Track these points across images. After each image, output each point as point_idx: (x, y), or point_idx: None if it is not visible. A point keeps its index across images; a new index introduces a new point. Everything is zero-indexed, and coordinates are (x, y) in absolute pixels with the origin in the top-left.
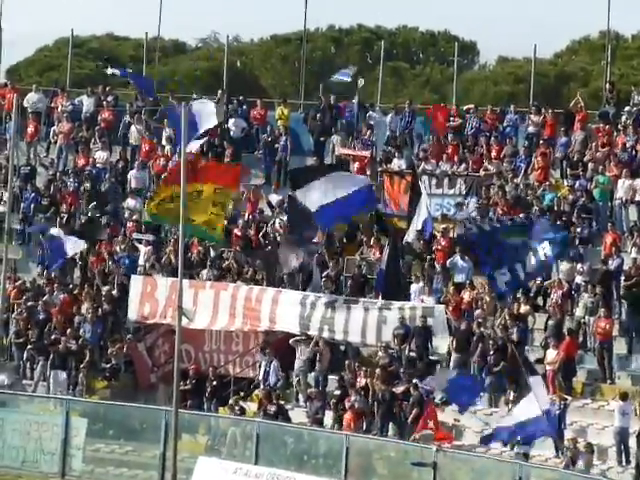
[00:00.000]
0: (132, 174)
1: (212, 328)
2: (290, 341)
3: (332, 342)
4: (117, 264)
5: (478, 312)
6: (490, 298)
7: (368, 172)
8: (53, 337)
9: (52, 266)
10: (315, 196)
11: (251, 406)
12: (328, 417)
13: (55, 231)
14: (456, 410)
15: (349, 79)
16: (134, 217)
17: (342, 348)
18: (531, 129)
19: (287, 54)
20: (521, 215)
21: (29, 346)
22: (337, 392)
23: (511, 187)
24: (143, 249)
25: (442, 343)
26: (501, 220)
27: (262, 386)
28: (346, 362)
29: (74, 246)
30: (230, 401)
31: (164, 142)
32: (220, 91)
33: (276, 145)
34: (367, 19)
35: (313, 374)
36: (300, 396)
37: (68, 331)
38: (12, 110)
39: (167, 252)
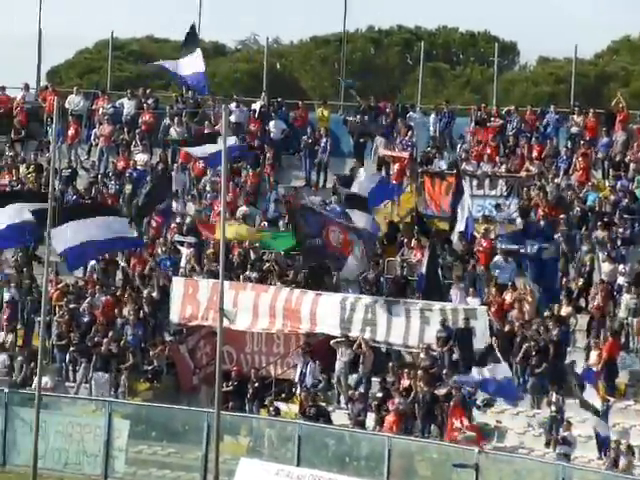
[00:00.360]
0: (174, 176)
1: (253, 330)
2: (331, 342)
3: (374, 344)
4: (158, 266)
5: (515, 313)
6: (532, 299)
7: (408, 173)
8: (95, 339)
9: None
10: None
11: (292, 408)
12: (370, 419)
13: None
14: (498, 412)
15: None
16: (176, 219)
17: (384, 350)
18: (573, 129)
19: (327, 55)
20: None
21: (71, 348)
22: (379, 394)
23: (552, 188)
24: (185, 251)
25: (482, 345)
26: None
27: (300, 388)
28: (389, 364)
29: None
30: (265, 402)
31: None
32: (263, 94)
33: (316, 147)
34: (407, 20)
35: (355, 376)
36: (341, 398)
37: (110, 333)
38: (53, 112)
39: (208, 254)
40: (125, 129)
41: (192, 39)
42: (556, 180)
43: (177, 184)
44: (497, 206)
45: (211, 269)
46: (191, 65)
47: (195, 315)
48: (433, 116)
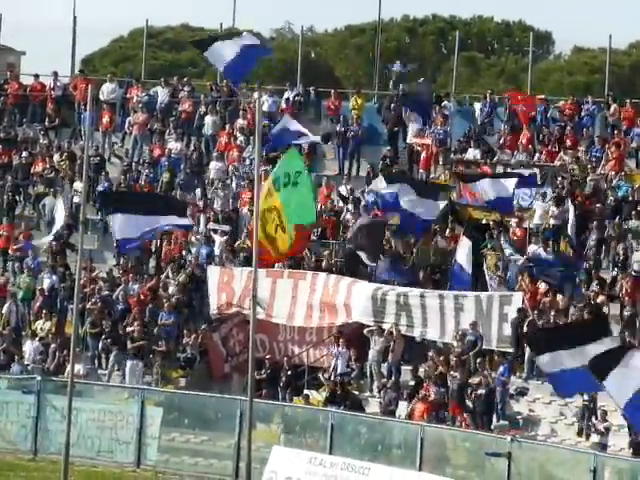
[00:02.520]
0: (212, 165)
1: (291, 324)
2: (365, 331)
3: (408, 334)
4: (192, 254)
5: (549, 302)
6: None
7: (441, 161)
8: (129, 327)
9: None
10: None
11: (324, 395)
12: (402, 407)
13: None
14: (530, 401)
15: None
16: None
17: (418, 339)
18: (608, 119)
19: (361, 44)
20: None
21: (104, 336)
22: (411, 382)
23: (587, 177)
24: (218, 239)
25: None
26: None
27: (333, 376)
28: (428, 354)
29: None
30: (298, 390)
31: (237, 133)
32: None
33: (349, 135)
34: (442, 9)
35: (386, 364)
36: (374, 386)
37: (143, 321)
38: (84, 100)
39: (242, 242)
40: (159, 117)
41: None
42: (591, 170)
43: (216, 173)
44: (532, 195)
45: (245, 257)
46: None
47: (230, 303)
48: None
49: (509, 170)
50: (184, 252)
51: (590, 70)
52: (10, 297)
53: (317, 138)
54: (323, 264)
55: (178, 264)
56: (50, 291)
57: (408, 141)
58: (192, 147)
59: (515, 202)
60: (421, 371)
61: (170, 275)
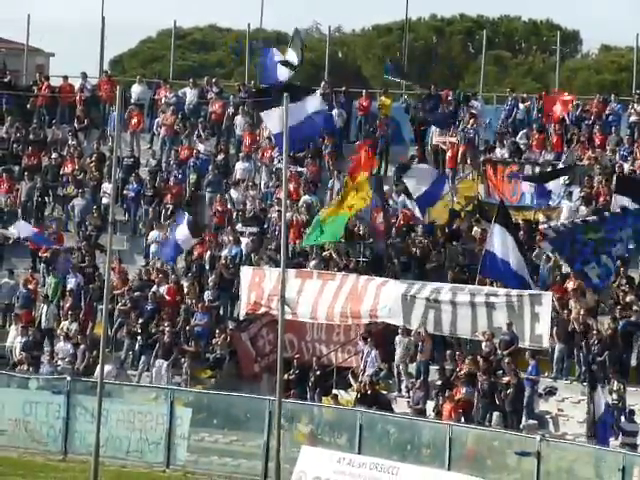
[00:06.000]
0: (238, 165)
1: (315, 321)
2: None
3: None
4: (221, 255)
5: (577, 301)
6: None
7: (468, 161)
8: (158, 327)
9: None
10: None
11: (352, 395)
12: (430, 407)
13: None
14: (560, 400)
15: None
16: (239, 208)
17: (448, 339)
18: (633, 118)
19: (389, 44)
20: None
21: (133, 337)
22: (439, 382)
23: (614, 176)
24: (245, 241)
25: (545, 332)
26: (574, 221)
27: (362, 376)
28: (456, 353)
29: (184, 241)
30: (326, 390)
31: (267, 133)
32: (323, 82)
33: (377, 135)
34: (469, 8)
35: (414, 364)
36: (402, 386)
37: (173, 321)
38: (112, 101)
39: (269, 243)
40: (188, 118)
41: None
42: (618, 169)
43: (242, 174)
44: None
45: (273, 258)
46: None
47: (259, 303)
48: (495, 104)
49: (537, 170)
50: (213, 253)
51: (618, 68)
52: (40, 298)
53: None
54: (351, 264)
55: (209, 265)
56: (76, 291)
57: (434, 142)
58: (219, 148)
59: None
60: (449, 370)
61: (201, 275)
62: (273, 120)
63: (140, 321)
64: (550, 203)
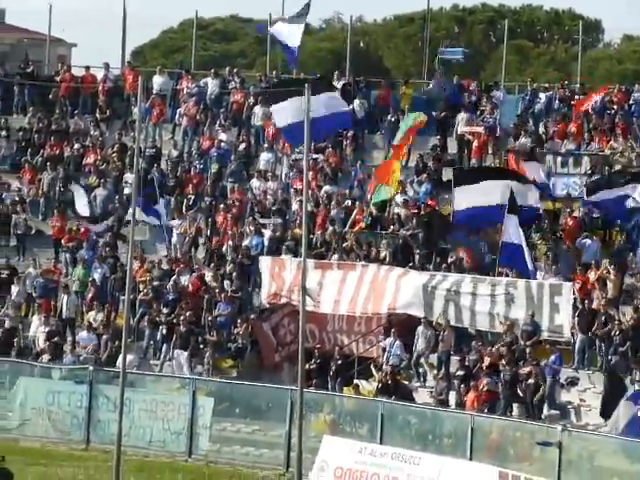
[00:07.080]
0: (263, 156)
1: (337, 312)
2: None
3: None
4: (242, 245)
5: (599, 292)
6: (615, 277)
7: (490, 150)
8: (180, 317)
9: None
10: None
11: (374, 385)
12: (452, 397)
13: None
14: (581, 390)
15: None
16: (259, 198)
17: (469, 330)
18: None
19: (410, 34)
20: None
21: (155, 326)
22: (460, 372)
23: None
24: (267, 232)
25: (566, 322)
26: None
27: (385, 366)
28: (478, 344)
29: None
30: (348, 380)
31: None
32: (337, 72)
33: (399, 125)
34: None
35: (436, 354)
36: (423, 376)
37: (195, 311)
38: (134, 92)
39: (293, 233)
40: (209, 109)
41: (304, 11)
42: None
43: (265, 164)
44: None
45: (294, 249)
46: (291, 36)
47: (280, 293)
48: (517, 94)
49: (559, 160)
50: (234, 243)
51: None
52: (63, 288)
53: None
54: (372, 254)
55: (231, 255)
56: (101, 282)
57: (459, 131)
58: (241, 138)
59: (565, 192)
60: (472, 360)
61: (222, 265)
62: (281, 114)
63: (164, 310)
64: (572, 193)
